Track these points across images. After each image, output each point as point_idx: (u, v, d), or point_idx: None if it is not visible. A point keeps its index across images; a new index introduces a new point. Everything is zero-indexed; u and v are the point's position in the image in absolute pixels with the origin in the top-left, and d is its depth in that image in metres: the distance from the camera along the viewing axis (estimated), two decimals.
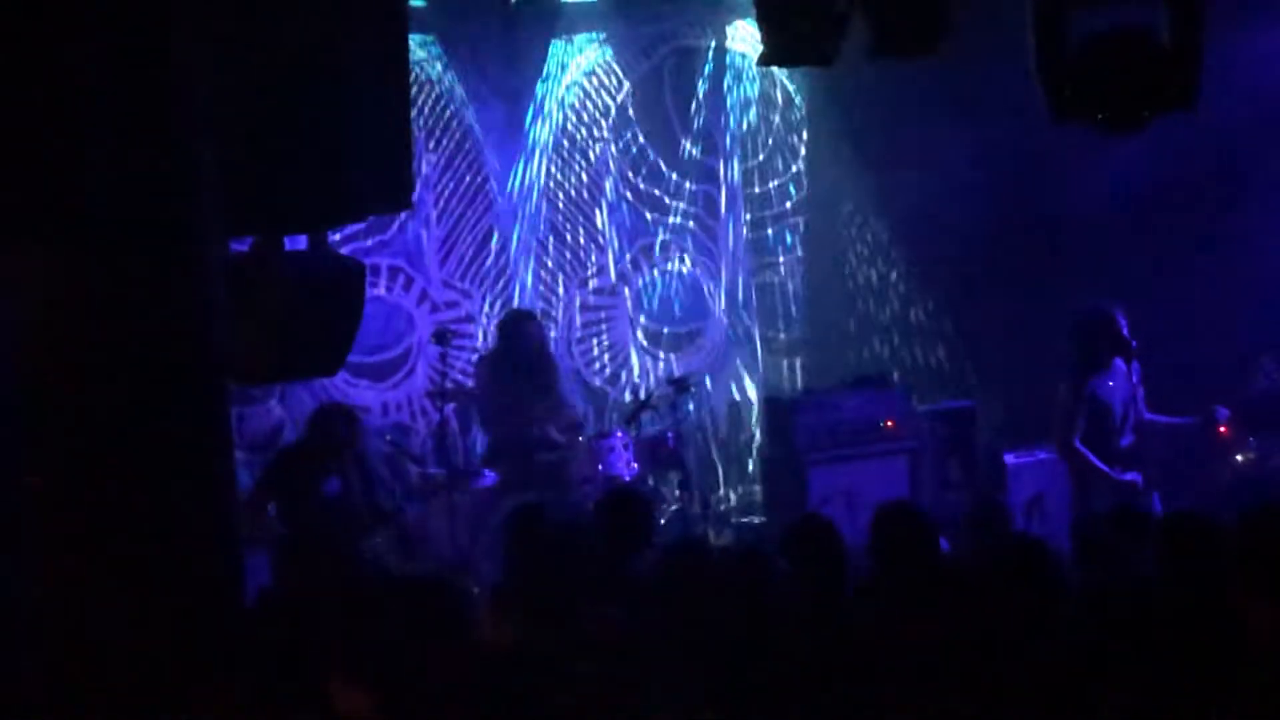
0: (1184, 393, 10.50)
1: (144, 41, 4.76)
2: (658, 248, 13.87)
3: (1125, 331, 10.09)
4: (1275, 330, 11.61)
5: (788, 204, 14.37)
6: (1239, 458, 11.20)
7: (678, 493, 12.26)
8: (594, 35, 13.41)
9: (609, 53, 13.50)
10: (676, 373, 13.21)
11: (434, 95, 12.82)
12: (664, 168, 13.78)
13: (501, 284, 13.15)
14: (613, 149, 13.59)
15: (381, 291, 12.52)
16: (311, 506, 9.68)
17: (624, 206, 13.66)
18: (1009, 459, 11.97)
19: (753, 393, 14.16)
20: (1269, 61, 11.54)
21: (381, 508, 10.11)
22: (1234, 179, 12.03)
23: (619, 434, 11.78)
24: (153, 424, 4.77)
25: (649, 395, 12.78)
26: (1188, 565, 6.32)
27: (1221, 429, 10.69)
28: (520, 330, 11.79)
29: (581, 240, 13.54)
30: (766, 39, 8.84)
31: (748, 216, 14.21)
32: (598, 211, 13.59)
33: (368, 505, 10.01)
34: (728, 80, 13.96)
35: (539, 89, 13.24)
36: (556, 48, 13.28)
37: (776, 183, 14.32)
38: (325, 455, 9.83)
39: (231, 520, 5.09)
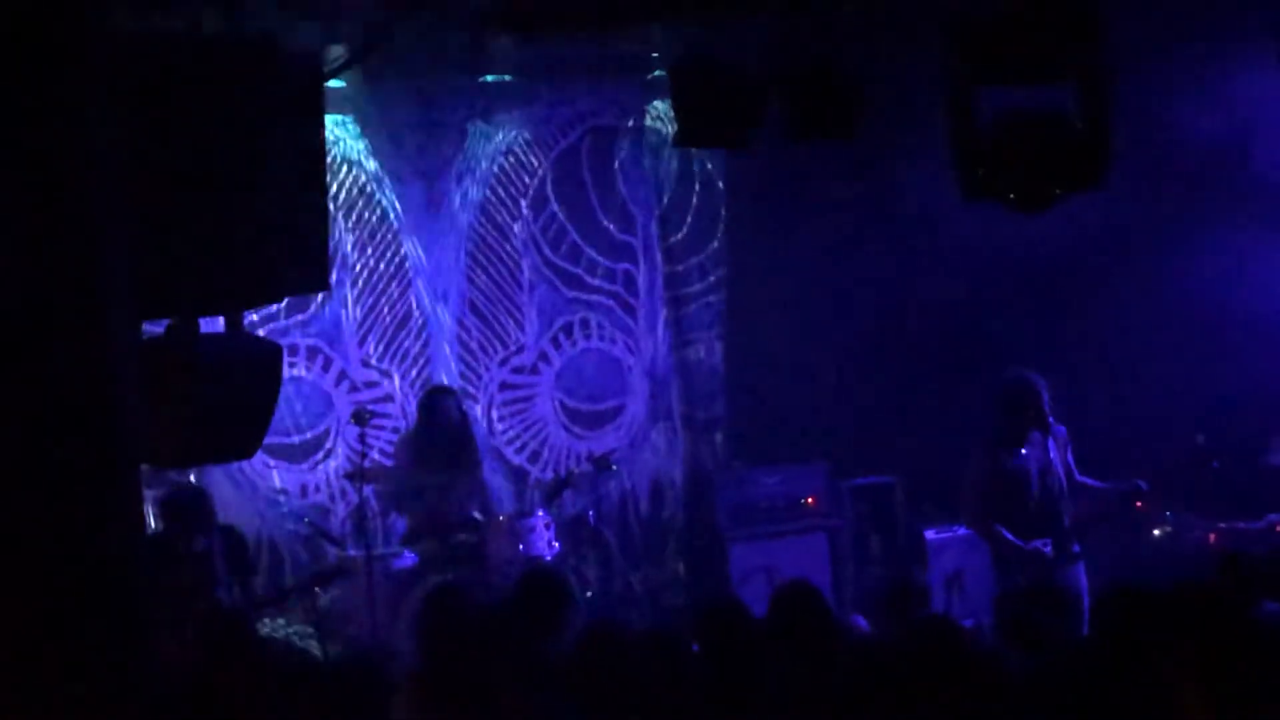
0: (1098, 466, 10.60)
1: (50, 123, 4.73)
2: (578, 325, 13.86)
3: (1045, 402, 10.15)
4: (1191, 406, 11.74)
5: (708, 280, 14.40)
6: (1156, 532, 11.29)
7: (599, 572, 12.22)
8: (512, 114, 13.42)
9: (527, 132, 13.52)
10: (597, 451, 13.18)
11: (352, 175, 12.80)
12: (584, 245, 13.79)
13: (421, 364, 13.10)
14: (532, 227, 13.60)
15: (300, 372, 12.45)
16: None
17: (543, 285, 13.65)
18: (930, 535, 12.02)
19: (674, 470, 14.14)
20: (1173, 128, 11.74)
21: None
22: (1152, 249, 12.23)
23: (540, 513, 11.73)
24: (62, 510, 4.71)
25: (570, 474, 12.75)
26: (1120, 639, 6.35)
27: (1139, 503, 10.78)
28: (439, 406, 11.80)
29: (501, 319, 13.52)
30: (682, 120, 8.92)
31: (668, 294, 14.23)
32: (517, 290, 13.58)
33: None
34: (647, 158, 13.99)
35: (457, 168, 13.25)
36: (474, 126, 13.30)
37: (697, 259, 14.35)
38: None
39: (145, 604, 5.02)
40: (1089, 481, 10.29)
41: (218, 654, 7.30)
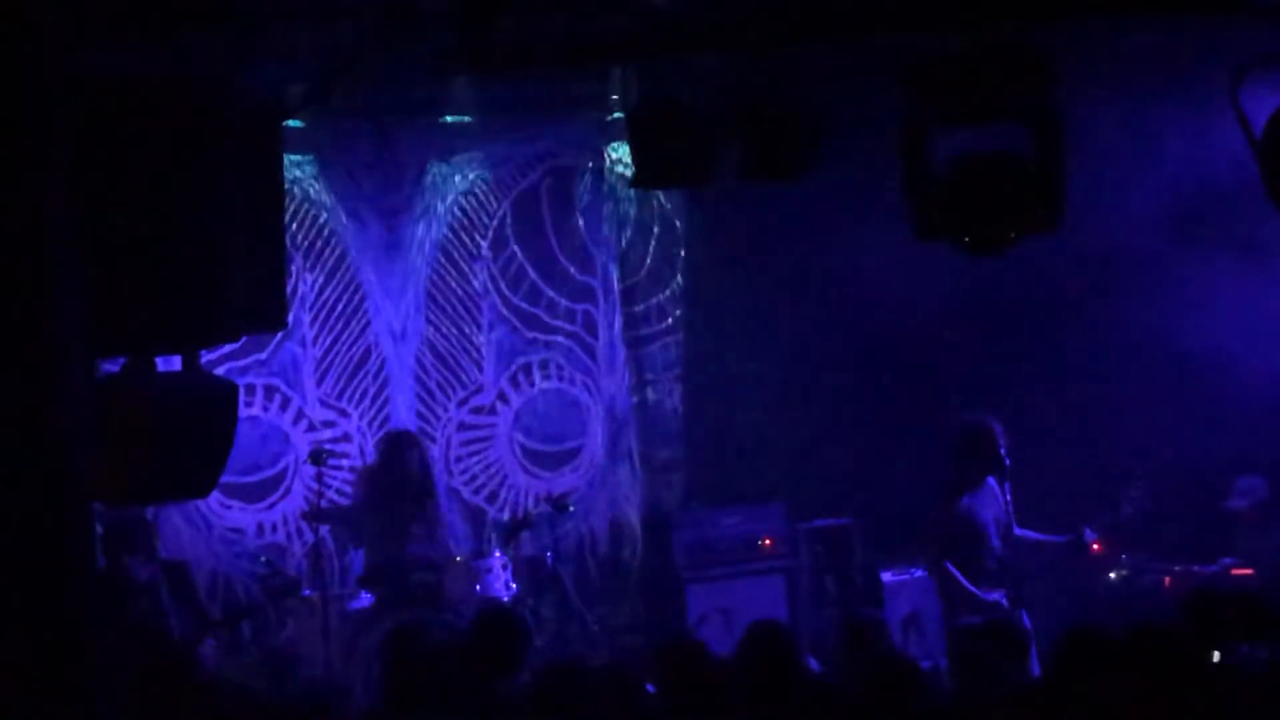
0: (1055, 510, 10.63)
1: (4, 164, 4.72)
2: (537, 366, 13.86)
3: (1002, 447, 10.19)
4: (1146, 450, 11.78)
5: (667, 321, 14.42)
6: (1112, 575, 11.32)
7: (556, 613, 12.19)
8: (471, 155, 13.43)
9: (487, 172, 13.53)
10: (555, 492, 13.16)
11: (311, 214, 12.78)
12: (543, 286, 13.79)
13: (379, 403, 13.08)
14: (491, 267, 13.60)
15: (257, 411, 12.42)
16: None
17: (503, 325, 13.64)
18: (886, 577, 12.04)
19: (632, 511, 14.12)
20: (1125, 185, 11.80)
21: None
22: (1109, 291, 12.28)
23: (497, 554, 11.72)
24: (12, 548, 4.69)
25: (527, 515, 12.74)
26: (1076, 680, 6.38)
27: (1095, 546, 10.81)
28: (400, 455, 11.77)
29: (460, 359, 13.51)
30: (639, 161, 8.95)
31: (627, 334, 14.24)
32: (476, 330, 13.57)
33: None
34: (606, 199, 14.02)
35: (417, 207, 13.24)
36: (434, 166, 13.31)
37: (656, 300, 14.37)
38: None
39: (92, 644, 5.00)
40: (1026, 534, 10.34)
41: (162, 690, 7.26)
